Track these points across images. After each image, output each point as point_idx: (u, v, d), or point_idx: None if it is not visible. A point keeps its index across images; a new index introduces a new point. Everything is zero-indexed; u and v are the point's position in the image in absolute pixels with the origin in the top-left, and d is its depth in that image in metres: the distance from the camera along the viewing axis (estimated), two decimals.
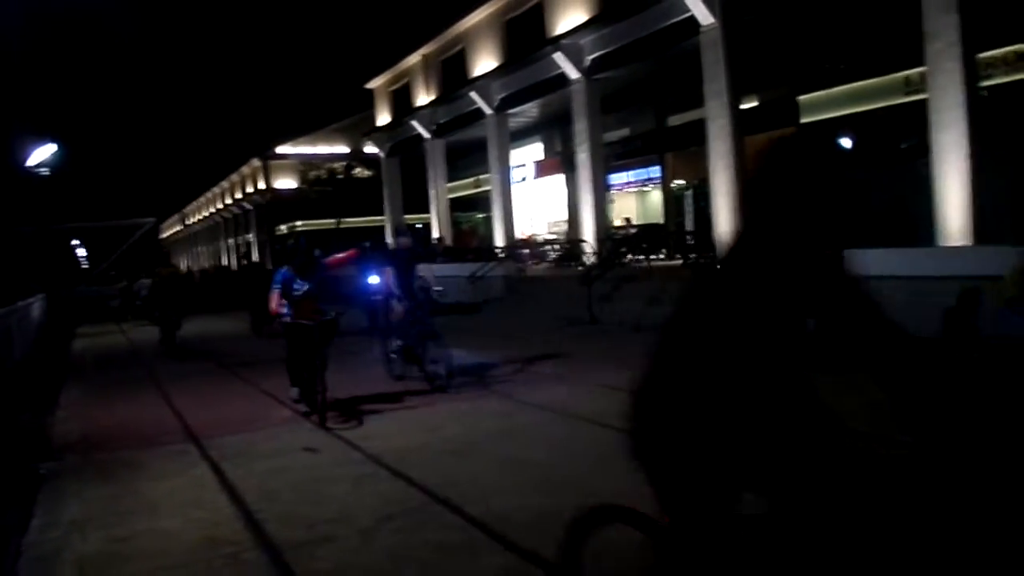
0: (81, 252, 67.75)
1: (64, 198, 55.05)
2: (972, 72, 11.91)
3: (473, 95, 24.67)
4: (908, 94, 15.20)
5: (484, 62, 25.46)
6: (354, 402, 8.43)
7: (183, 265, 68.99)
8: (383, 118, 34.01)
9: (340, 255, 8.71)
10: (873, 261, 10.05)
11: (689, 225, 21.47)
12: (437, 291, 9.56)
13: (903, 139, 15.95)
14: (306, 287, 7.89)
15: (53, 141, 25.65)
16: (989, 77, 13.59)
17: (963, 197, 11.75)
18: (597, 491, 3.84)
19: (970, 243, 11.52)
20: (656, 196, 24.45)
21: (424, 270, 9.90)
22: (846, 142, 17.28)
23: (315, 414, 7.69)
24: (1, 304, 14.53)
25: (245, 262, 36.48)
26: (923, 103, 12.65)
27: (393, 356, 9.64)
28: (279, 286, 7.73)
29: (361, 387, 9.23)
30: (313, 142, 49.92)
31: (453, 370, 8.82)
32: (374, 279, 13.17)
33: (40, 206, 28.60)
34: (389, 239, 32.09)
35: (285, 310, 7.75)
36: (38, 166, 25.33)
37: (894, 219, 14.58)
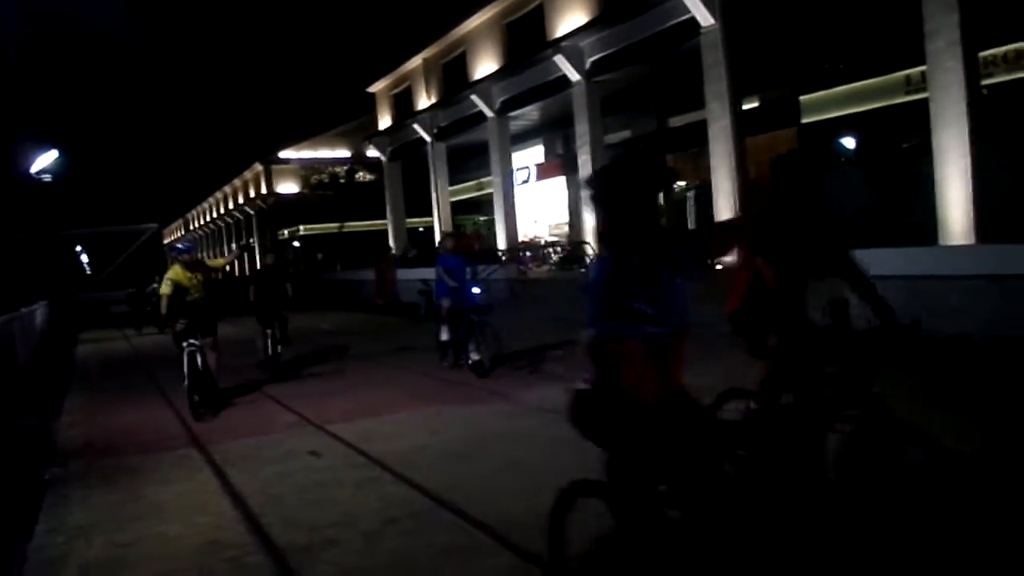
0: (84, 258, 67.96)
1: (67, 204, 55.26)
2: (973, 71, 11.88)
3: (474, 98, 24.69)
4: (909, 93, 15.18)
5: (485, 65, 25.49)
6: None
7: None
8: (385, 122, 34.05)
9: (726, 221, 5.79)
10: (875, 261, 10.10)
11: (691, 226, 21.47)
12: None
13: (905, 138, 15.94)
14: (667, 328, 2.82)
15: (55, 147, 25.75)
16: (990, 75, 13.58)
17: (965, 196, 11.72)
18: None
19: (972, 242, 11.49)
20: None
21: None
22: (848, 142, 17.33)
23: None
24: (4, 310, 14.57)
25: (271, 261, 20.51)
26: (924, 102, 12.62)
27: None
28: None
29: None
30: (315, 146, 50.00)
31: None
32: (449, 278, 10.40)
33: (43, 212, 28.68)
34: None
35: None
36: (40, 172, 25.43)
37: (896, 218, 14.60)
